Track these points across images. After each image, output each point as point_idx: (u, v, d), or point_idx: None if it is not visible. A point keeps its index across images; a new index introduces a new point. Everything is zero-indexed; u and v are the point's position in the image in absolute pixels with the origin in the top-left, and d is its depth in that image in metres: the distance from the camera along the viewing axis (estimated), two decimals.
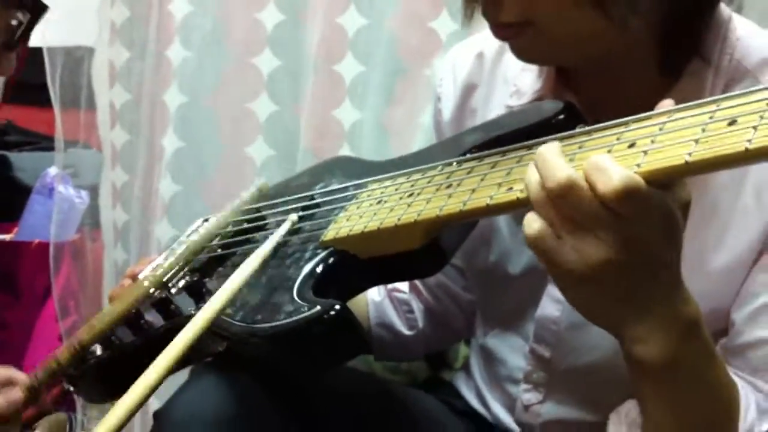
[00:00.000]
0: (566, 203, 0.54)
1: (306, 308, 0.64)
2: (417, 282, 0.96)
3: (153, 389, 0.59)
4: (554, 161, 0.54)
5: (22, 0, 0.57)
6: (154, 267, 0.86)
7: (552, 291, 0.81)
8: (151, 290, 0.80)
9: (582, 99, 0.77)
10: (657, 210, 0.53)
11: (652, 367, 0.57)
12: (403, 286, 0.97)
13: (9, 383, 0.81)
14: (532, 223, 0.56)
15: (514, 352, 0.86)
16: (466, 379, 0.94)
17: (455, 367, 1.05)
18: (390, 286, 0.97)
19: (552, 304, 0.81)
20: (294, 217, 0.78)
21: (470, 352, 0.95)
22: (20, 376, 0.82)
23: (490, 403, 0.89)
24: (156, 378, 0.59)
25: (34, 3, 0.58)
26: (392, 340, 0.96)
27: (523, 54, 0.74)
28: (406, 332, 0.96)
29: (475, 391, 0.91)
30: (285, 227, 0.77)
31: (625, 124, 0.58)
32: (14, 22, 0.58)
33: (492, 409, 0.88)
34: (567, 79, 0.79)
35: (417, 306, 0.97)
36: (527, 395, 0.84)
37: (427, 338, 0.97)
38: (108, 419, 0.57)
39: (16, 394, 0.80)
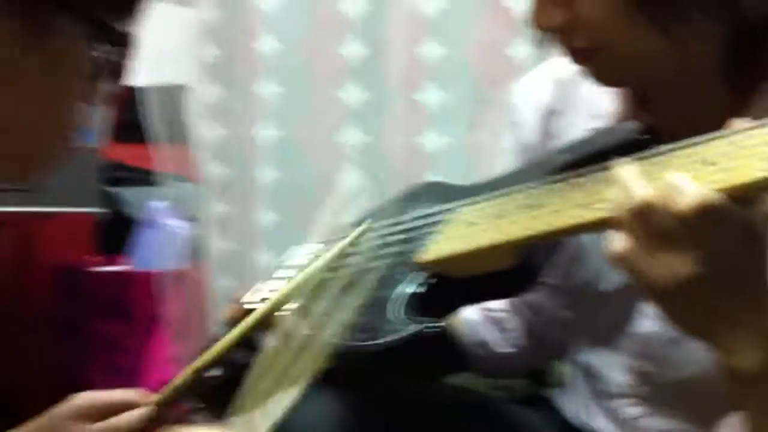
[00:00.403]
0: (645, 221, 0.57)
1: (405, 327, 0.70)
2: (512, 301, 0.98)
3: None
4: (632, 183, 0.58)
5: (102, 32, 0.63)
6: (259, 289, 0.93)
7: (648, 306, 0.82)
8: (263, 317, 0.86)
9: (658, 119, 0.80)
10: (736, 224, 0.56)
11: (746, 377, 0.59)
12: (499, 305, 0.99)
13: (134, 405, 0.88)
14: (614, 242, 0.59)
15: (613, 367, 0.87)
16: (566, 394, 0.96)
17: (554, 384, 1.07)
18: (485, 305, 0.99)
19: (649, 319, 0.83)
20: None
21: (569, 368, 0.97)
22: (144, 398, 0.88)
23: (592, 418, 0.90)
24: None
25: (115, 34, 0.64)
26: (490, 357, 0.98)
27: (596, 77, 0.78)
28: (503, 350, 0.99)
29: (575, 405, 0.93)
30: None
31: (700, 143, 0.62)
32: (95, 54, 0.65)
33: (594, 423, 0.90)
34: (643, 100, 0.83)
35: (513, 324, 0.99)
36: (628, 409, 0.86)
37: (525, 356, 1.00)
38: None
39: (141, 413, 0.87)
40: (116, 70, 0.65)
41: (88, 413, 0.84)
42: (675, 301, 0.58)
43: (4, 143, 0.63)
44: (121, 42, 0.64)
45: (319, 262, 0.81)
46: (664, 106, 0.81)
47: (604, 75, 0.78)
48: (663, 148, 0.65)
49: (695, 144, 0.62)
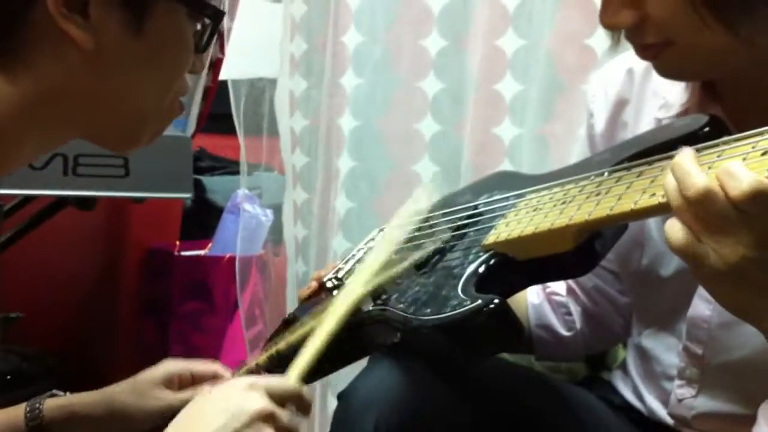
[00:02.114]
0: (703, 208, 0.59)
1: (469, 302, 0.73)
2: (574, 285, 1.02)
3: (325, 343, 0.72)
4: (691, 171, 0.60)
5: (199, 9, 0.68)
6: (336, 270, 0.97)
7: (703, 291, 0.84)
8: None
9: (727, 110, 0.81)
10: None
11: None
12: (561, 289, 1.03)
13: (215, 377, 0.93)
14: (673, 228, 0.62)
15: (668, 350, 0.90)
16: (623, 377, 0.98)
17: (613, 366, 1.09)
18: (548, 289, 1.03)
19: (703, 303, 0.85)
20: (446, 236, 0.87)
21: (627, 351, 1.00)
22: (225, 372, 0.94)
23: (646, 398, 0.93)
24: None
25: (210, 8, 0.69)
26: (552, 340, 1.02)
27: (665, 71, 0.80)
28: (565, 333, 1.02)
29: (631, 387, 0.96)
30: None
31: (761, 133, 0.63)
32: (198, 27, 0.69)
33: (647, 403, 0.93)
34: (712, 91, 0.84)
35: (575, 308, 1.03)
36: (681, 390, 0.88)
37: (586, 339, 1.03)
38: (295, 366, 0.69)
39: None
40: (212, 42, 0.70)
41: (173, 380, 0.90)
42: (728, 284, 0.60)
43: (117, 120, 0.69)
44: (217, 15, 0.69)
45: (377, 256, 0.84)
46: (733, 97, 0.82)
47: (672, 69, 0.80)
48: (724, 139, 0.66)
49: (755, 135, 0.63)
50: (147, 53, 0.66)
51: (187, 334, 2.03)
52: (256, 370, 0.93)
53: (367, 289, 0.77)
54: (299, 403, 0.67)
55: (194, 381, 0.92)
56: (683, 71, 0.80)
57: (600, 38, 1.30)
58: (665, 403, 0.90)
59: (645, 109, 0.92)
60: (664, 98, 0.88)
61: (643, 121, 0.91)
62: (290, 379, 0.69)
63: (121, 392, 0.89)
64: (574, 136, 1.31)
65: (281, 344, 0.93)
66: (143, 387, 0.89)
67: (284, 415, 0.65)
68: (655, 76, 0.90)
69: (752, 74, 0.78)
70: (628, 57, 0.95)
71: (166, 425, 0.86)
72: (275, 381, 0.67)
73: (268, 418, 0.63)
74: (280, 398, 0.65)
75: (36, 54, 0.63)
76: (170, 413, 0.87)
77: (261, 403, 0.63)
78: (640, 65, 0.93)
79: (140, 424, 0.88)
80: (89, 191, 1.56)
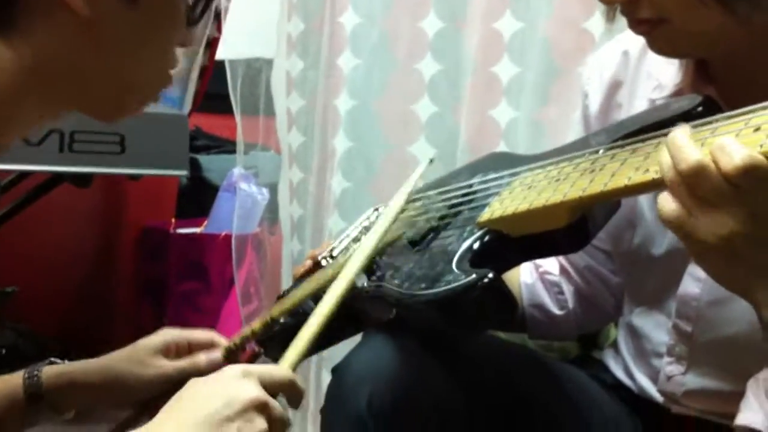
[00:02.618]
0: (696, 183, 0.60)
1: (463, 276, 0.74)
2: (567, 265, 1.03)
3: (319, 330, 0.72)
4: (685, 146, 0.61)
5: None
6: (331, 249, 0.98)
7: (693, 270, 0.86)
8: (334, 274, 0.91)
9: (720, 90, 0.82)
10: None
11: None
12: (554, 269, 1.04)
13: (212, 345, 0.94)
14: (666, 202, 0.62)
15: (658, 327, 0.92)
16: (614, 355, 1.00)
17: (605, 345, 1.10)
18: (541, 269, 1.04)
19: (693, 282, 0.86)
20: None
21: (618, 330, 1.01)
22: (221, 340, 0.94)
23: (636, 376, 0.95)
24: (320, 321, 0.72)
25: None
26: (544, 319, 1.03)
27: (659, 47, 0.81)
28: (557, 312, 1.03)
29: (622, 365, 0.98)
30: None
31: (753, 111, 0.63)
32: (190, 2, 0.70)
33: (637, 380, 0.95)
34: (706, 71, 0.85)
35: (567, 288, 1.04)
36: (670, 367, 0.90)
37: (578, 318, 1.04)
38: (288, 355, 0.69)
39: (217, 354, 0.93)
40: (207, 17, 0.71)
41: (170, 348, 0.91)
42: (719, 258, 0.61)
43: (109, 90, 0.69)
44: None
45: (390, 213, 0.85)
46: (727, 77, 0.83)
47: (665, 46, 0.81)
48: (717, 116, 0.67)
49: (747, 113, 0.64)
50: (141, 23, 0.67)
51: (184, 313, 2.03)
52: (252, 336, 0.94)
53: (361, 272, 0.78)
54: (291, 393, 0.68)
55: (191, 349, 0.92)
56: (676, 49, 0.81)
57: (597, 22, 1.31)
58: (655, 380, 0.92)
59: (639, 90, 0.93)
60: (658, 80, 0.89)
61: (637, 102, 0.92)
62: (283, 367, 0.69)
63: (119, 360, 0.89)
64: (569, 120, 1.32)
65: (275, 311, 0.94)
66: (141, 355, 0.89)
67: (277, 404, 0.65)
68: (649, 59, 0.91)
69: (747, 56, 0.79)
70: (624, 39, 0.96)
71: (162, 394, 0.87)
72: (269, 369, 0.67)
73: (260, 407, 0.63)
74: (273, 387, 0.66)
75: (31, 21, 0.63)
76: (167, 382, 0.88)
77: (254, 391, 0.63)
78: (636, 48, 0.94)
79: (137, 392, 0.88)
80: (85, 167, 1.57)
